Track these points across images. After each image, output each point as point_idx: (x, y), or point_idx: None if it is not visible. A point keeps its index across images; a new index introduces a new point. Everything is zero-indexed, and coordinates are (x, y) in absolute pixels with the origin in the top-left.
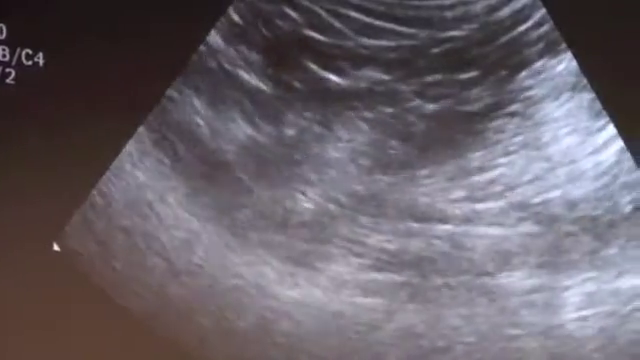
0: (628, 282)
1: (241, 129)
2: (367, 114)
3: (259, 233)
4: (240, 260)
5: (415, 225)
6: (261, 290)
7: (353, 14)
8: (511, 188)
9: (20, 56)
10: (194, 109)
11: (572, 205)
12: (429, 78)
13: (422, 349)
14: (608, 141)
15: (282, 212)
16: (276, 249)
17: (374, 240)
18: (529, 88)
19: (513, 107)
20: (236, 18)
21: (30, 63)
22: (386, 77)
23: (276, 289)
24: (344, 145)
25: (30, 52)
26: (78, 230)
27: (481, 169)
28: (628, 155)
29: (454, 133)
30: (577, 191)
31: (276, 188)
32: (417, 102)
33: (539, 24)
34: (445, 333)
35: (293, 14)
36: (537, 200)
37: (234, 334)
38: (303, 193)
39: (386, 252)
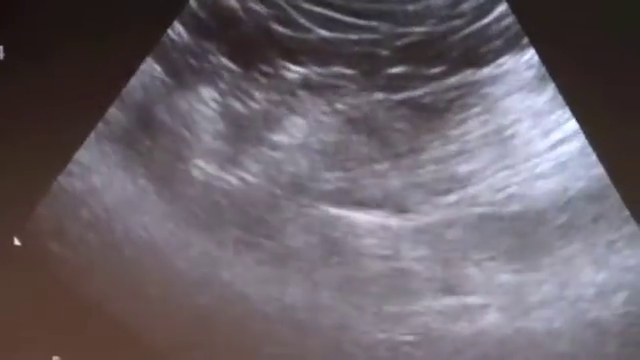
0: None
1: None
2: (328, 107)
3: (207, 214)
4: (192, 241)
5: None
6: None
7: (315, 8)
8: (473, 183)
9: None
10: (158, 96)
11: (533, 201)
12: (391, 72)
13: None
14: (570, 136)
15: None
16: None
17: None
18: (492, 83)
19: (475, 102)
20: (199, 11)
21: None
22: (348, 71)
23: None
24: (301, 135)
25: None
26: (39, 225)
27: (441, 163)
28: (589, 150)
29: (415, 127)
30: (538, 187)
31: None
32: (379, 96)
33: (501, 18)
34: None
35: (257, 7)
36: (499, 196)
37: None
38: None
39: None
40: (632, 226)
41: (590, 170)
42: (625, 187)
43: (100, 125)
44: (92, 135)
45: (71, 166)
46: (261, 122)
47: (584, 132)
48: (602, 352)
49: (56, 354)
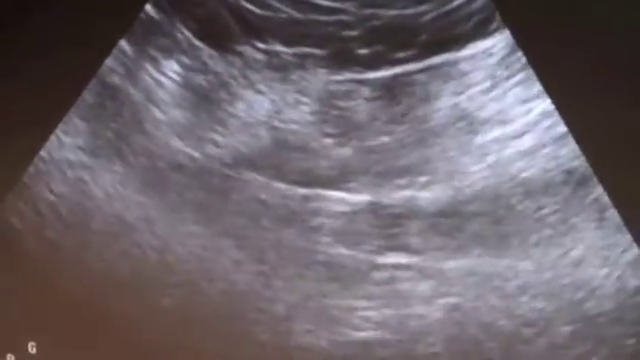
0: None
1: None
2: (293, 86)
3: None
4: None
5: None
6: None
7: None
8: (439, 167)
9: None
10: (124, 71)
11: (502, 185)
12: (359, 53)
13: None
14: (542, 118)
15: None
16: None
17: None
18: (461, 66)
19: (444, 85)
20: None
21: None
22: (316, 51)
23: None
24: (264, 112)
25: None
26: (14, 205)
27: (408, 146)
28: (564, 131)
29: (382, 110)
30: (508, 171)
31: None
32: (346, 76)
33: (470, 1)
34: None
35: None
36: (465, 181)
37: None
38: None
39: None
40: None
41: (564, 152)
42: (602, 168)
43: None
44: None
45: (44, 151)
46: (225, 98)
47: (560, 114)
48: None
49: (32, 340)
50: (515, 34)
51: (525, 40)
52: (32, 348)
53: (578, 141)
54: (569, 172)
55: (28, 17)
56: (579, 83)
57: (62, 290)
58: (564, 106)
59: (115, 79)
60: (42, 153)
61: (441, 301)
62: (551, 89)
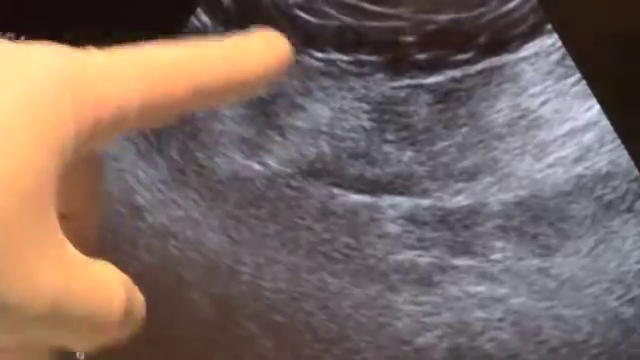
0: None
1: None
2: (352, 94)
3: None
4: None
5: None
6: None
7: None
8: (498, 169)
9: None
10: None
11: (558, 187)
12: (416, 58)
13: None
14: (592, 123)
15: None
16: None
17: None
18: (518, 68)
19: (502, 87)
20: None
21: None
22: (373, 58)
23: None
24: (324, 121)
25: None
26: None
27: (467, 149)
28: (613, 137)
29: (441, 114)
30: (563, 173)
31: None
32: (404, 82)
33: (525, 2)
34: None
35: None
36: (523, 182)
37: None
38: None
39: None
40: None
41: (613, 157)
42: None
43: None
44: None
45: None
46: (284, 109)
47: (608, 118)
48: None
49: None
50: (562, 36)
51: (575, 42)
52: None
53: (626, 146)
54: (617, 175)
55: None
56: (628, 88)
57: None
58: (613, 110)
59: None
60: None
61: (508, 303)
62: (601, 95)
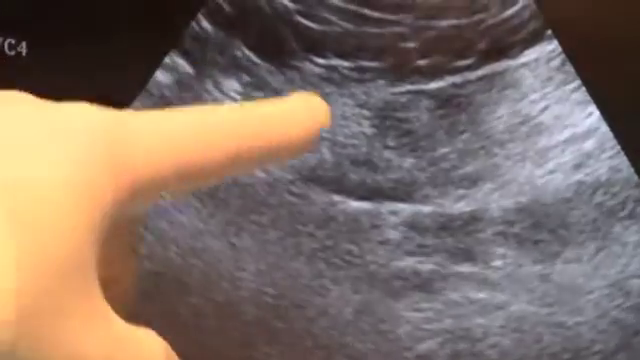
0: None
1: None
2: (353, 100)
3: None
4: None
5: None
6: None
7: (340, 3)
8: (498, 175)
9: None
10: (181, 89)
11: (559, 193)
12: (418, 64)
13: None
14: (593, 129)
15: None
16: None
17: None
18: (519, 74)
19: (503, 93)
20: (224, 4)
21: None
22: (374, 64)
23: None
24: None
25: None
26: None
27: (469, 155)
28: (613, 143)
29: (443, 119)
30: (563, 180)
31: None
32: (406, 88)
33: (525, 9)
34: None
35: (282, 1)
36: (524, 188)
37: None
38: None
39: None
40: None
41: (613, 163)
42: None
43: None
44: None
45: None
46: None
47: (608, 125)
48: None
49: None
50: (562, 43)
51: (575, 48)
52: None
53: (626, 152)
54: (617, 182)
55: (67, 41)
56: (628, 94)
57: None
58: (613, 116)
59: (174, 99)
60: None
61: (509, 310)
62: (600, 100)
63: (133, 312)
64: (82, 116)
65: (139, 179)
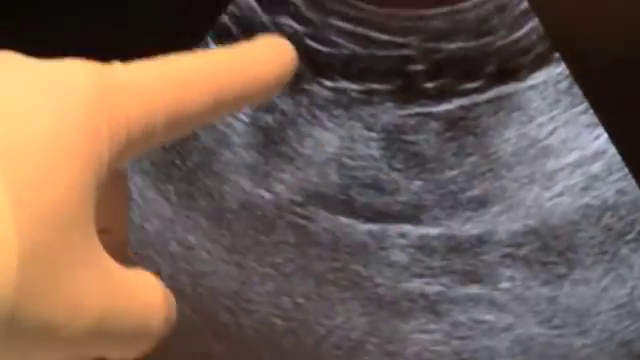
0: None
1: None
2: (360, 122)
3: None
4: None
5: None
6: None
7: (348, 25)
8: (505, 198)
9: None
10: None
11: (567, 216)
12: (425, 87)
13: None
14: (600, 152)
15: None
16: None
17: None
18: (526, 96)
19: (510, 115)
20: (232, 27)
21: None
22: (382, 86)
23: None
24: (332, 150)
25: None
26: None
27: (476, 178)
28: (621, 166)
29: (450, 142)
30: (570, 202)
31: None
32: (414, 110)
33: (532, 32)
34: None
35: (289, 24)
36: (532, 211)
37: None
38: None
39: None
40: None
41: (620, 186)
42: None
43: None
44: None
45: None
46: (293, 137)
47: (616, 148)
48: None
49: None
50: (570, 66)
51: (582, 71)
52: None
53: (634, 174)
54: (625, 205)
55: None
56: (636, 116)
57: None
58: (620, 138)
59: None
60: None
61: (516, 332)
62: (608, 122)
63: (127, 262)
64: (72, 71)
65: (132, 128)
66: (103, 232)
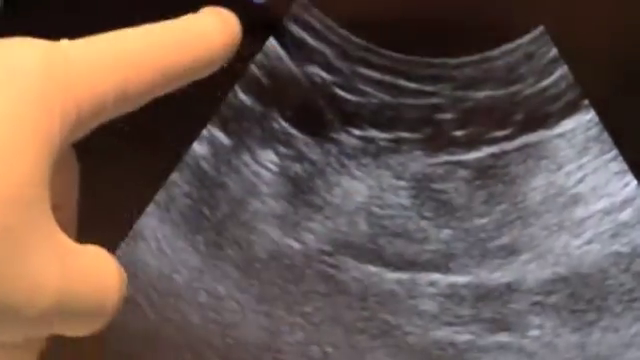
0: None
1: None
2: (389, 171)
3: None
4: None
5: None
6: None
7: (376, 74)
8: (534, 246)
9: None
10: (218, 160)
11: (596, 264)
12: (454, 135)
13: None
14: (630, 199)
15: (269, 247)
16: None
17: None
18: (555, 144)
19: (539, 164)
20: (261, 77)
21: None
22: (411, 135)
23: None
24: (361, 199)
25: None
26: None
27: (504, 226)
28: None
29: (479, 190)
30: (599, 250)
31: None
32: (442, 159)
33: (561, 80)
34: None
35: (318, 73)
36: (561, 259)
37: None
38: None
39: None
40: None
41: None
42: None
43: (162, 191)
44: (152, 203)
45: (132, 233)
46: (322, 186)
47: None
48: None
49: None
50: (599, 112)
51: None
52: None
53: None
54: None
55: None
56: None
57: None
58: None
59: (212, 170)
60: (125, 247)
61: None
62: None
63: (76, 238)
64: (21, 50)
65: (82, 107)
66: (55, 209)
